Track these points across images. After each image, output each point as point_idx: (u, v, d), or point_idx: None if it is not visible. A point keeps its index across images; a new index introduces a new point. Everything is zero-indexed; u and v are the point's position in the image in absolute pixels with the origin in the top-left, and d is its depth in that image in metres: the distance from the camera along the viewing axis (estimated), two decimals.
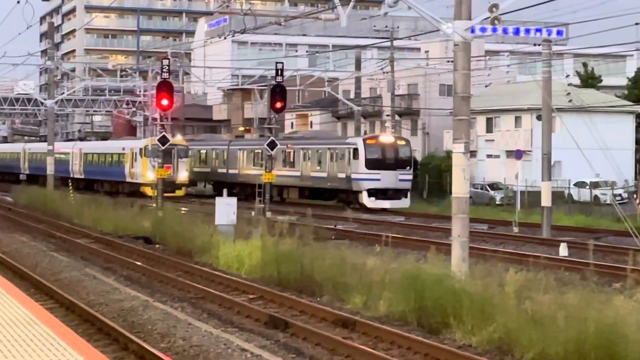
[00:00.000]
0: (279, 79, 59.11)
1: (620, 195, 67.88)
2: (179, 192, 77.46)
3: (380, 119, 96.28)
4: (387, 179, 68.45)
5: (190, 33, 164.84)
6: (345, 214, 60.75)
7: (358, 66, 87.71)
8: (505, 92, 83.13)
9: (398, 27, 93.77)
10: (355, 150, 70.80)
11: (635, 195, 59.65)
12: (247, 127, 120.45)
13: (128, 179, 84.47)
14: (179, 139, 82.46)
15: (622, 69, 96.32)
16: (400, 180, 69.62)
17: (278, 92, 58.77)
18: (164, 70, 56.66)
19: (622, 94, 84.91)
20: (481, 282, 22.36)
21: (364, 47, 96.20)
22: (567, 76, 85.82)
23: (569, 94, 68.90)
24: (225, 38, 71.54)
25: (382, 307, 23.35)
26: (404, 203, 70.21)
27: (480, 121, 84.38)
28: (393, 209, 69.06)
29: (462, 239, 26.63)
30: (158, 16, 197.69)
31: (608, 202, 62.51)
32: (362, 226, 55.52)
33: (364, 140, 71.21)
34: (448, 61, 63.46)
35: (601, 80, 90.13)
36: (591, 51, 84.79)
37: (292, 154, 78.66)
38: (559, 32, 54.99)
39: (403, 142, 72.75)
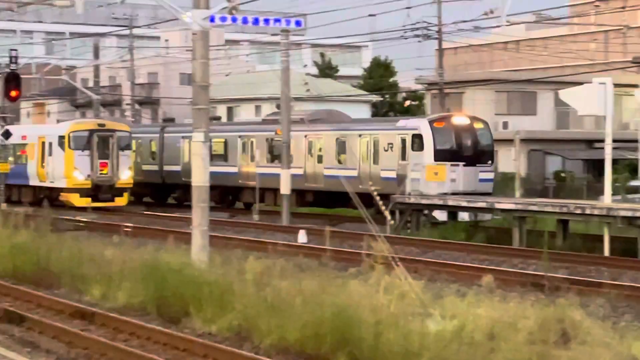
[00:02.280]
0: (13, 66, 57.56)
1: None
2: (120, 200, 53.80)
3: (120, 108, 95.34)
4: (465, 178, 45.38)
5: None
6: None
7: (96, 54, 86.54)
8: (245, 81, 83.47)
9: (137, 15, 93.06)
10: (417, 138, 48.15)
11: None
12: None
13: (33, 182, 57.59)
14: (116, 122, 62.45)
15: (357, 59, 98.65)
16: (481, 180, 47.37)
17: (12, 81, 57.18)
18: None
19: (358, 84, 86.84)
20: (221, 270, 22.50)
21: (103, 34, 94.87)
22: (305, 66, 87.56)
23: (307, 83, 70.17)
24: None
25: (121, 297, 23.01)
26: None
27: (221, 110, 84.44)
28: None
29: (202, 227, 26.70)
30: None
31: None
32: (102, 217, 53.47)
33: (431, 122, 47.96)
34: (187, 50, 63.08)
35: (338, 70, 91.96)
36: (328, 42, 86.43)
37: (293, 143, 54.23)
38: (298, 23, 55.26)
39: (481, 125, 49.61)
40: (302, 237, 37.51)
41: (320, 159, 52.85)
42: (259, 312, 19.06)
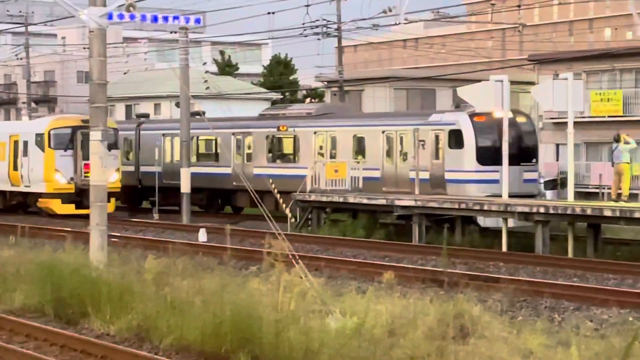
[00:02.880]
0: None
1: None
2: (109, 207, 40.81)
3: (16, 107, 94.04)
4: (509, 179, 37.95)
5: None
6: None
7: None
8: (144, 79, 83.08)
9: (33, 12, 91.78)
10: (455, 134, 41.72)
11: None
12: None
13: (2, 187, 49.87)
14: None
15: (257, 57, 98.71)
16: (526, 181, 41.22)
17: None
18: None
19: (258, 82, 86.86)
20: (120, 269, 22.32)
21: None
22: (205, 64, 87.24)
23: (206, 81, 69.82)
24: None
25: (17, 299, 22.63)
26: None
27: (120, 108, 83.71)
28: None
29: (100, 227, 26.50)
30: None
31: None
32: None
33: (471, 116, 40.70)
34: (85, 48, 62.19)
35: (238, 68, 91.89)
36: (228, 39, 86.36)
37: (297, 140, 48.93)
38: (197, 20, 55.35)
39: (524, 119, 42.81)
40: (202, 236, 37.33)
41: (333, 158, 45.69)
42: (158, 312, 18.93)
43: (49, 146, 44.71)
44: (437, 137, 41.33)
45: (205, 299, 18.52)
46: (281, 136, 48.61)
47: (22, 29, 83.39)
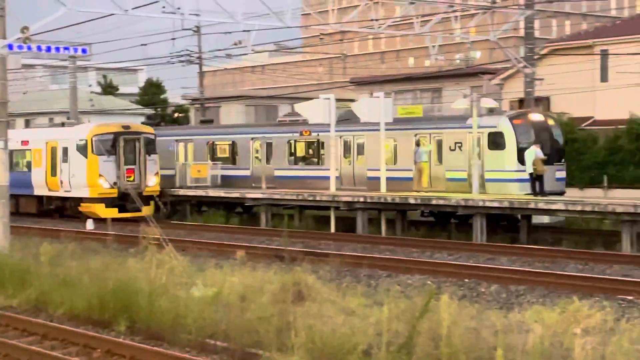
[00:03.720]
0: None
1: None
2: (147, 210, 35.18)
3: None
4: (545, 178, 34.72)
5: None
6: None
7: None
8: (40, 98, 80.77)
9: None
10: (496, 136, 36.85)
11: None
12: None
13: (39, 192, 41.13)
14: (140, 124, 45.32)
15: (134, 80, 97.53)
16: (558, 179, 36.78)
17: None
18: None
19: (135, 100, 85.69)
20: (20, 253, 21.84)
21: None
22: (90, 85, 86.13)
23: (91, 100, 68.71)
24: None
25: None
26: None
27: (20, 122, 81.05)
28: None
29: (3, 219, 25.83)
30: None
31: None
32: None
33: (511, 119, 36.15)
34: None
35: (118, 89, 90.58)
36: (110, 65, 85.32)
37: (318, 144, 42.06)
38: (84, 50, 54.39)
39: (553, 122, 37.97)
40: (89, 225, 36.37)
41: (361, 160, 39.68)
42: (52, 287, 18.66)
43: (92, 152, 37.07)
44: (478, 139, 35.38)
45: (92, 276, 18.38)
46: (304, 140, 42.35)
47: None
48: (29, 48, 28.54)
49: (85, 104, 62.93)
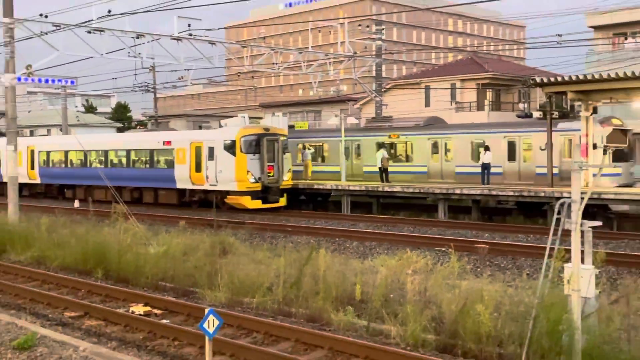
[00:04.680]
0: None
1: None
2: (282, 201, 31.95)
3: None
4: (624, 173, 29.28)
5: None
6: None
7: None
8: (40, 115, 77.60)
9: None
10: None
11: None
12: None
13: (181, 185, 33.15)
14: (276, 127, 34.09)
15: (108, 103, 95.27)
16: (630, 173, 30.19)
17: None
18: None
19: (108, 117, 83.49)
20: (26, 224, 21.25)
21: None
22: (76, 106, 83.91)
23: (77, 116, 66.71)
24: None
25: None
26: None
27: (26, 132, 77.72)
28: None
29: (14, 200, 24.96)
30: None
31: None
32: None
33: (601, 123, 28.89)
34: (2, 97, 57.91)
35: (96, 109, 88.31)
36: (91, 92, 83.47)
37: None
38: (72, 82, 53.35)
39: (621, 122, 29.97)
40: (76, 204, 35.20)
41: (448, 158, 32.97)
42: (49, 248, 18.47)
43: (241, 151, 30.16)
44: (570, 140, 28.86)
45: (77, 239, 18.16)
46: (392, 142, 34.81)
47: None
48: (32, 80, 27.63)
49: (73, 120, 61.03)
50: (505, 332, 9.87)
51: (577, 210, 9.14)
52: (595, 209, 23.79)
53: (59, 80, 52.35)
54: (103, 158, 36.13)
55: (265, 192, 30.23)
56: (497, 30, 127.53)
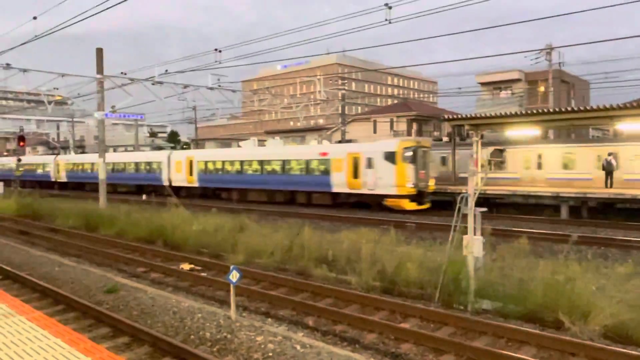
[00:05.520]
0: None
1: None
2: (428, 203, 23.89)
3: (66, 150, 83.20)
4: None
5: None
6: None
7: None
8: (120, 138, 75.84)
9: (74, 112, 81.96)
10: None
11: None
12: None
13: (337, 189, 25.74)
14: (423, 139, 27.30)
15: (165, 130, 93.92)
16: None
17: None
18: None
19: (166, 140, 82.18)
20: (111, 210, 20.86)
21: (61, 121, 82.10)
22: (145, 133, 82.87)
23: (145, 140, 65.34)
24: None
25: (70, 223, 20.61)
26: None
27: (110, 150, 75.44)
28: None
29: (103, 195, 24.33)
30: None
31: None
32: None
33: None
34: (96, 126, 55.79)
35: (157, 134, 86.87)
36: (154, 123, 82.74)
37: None
38: (141, 116, 52.03)
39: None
40: (144, 197, 34.30)
41: (540, 167, 26.21)
42: (127, 226, 18.01)
43: (401, 160, 23.68)
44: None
45: (146, 220, 17.78)
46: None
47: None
48: (115, 115, 27.31)
49: (141, 142, 60.21)
50: (425, 280, 9.96)
51: (471, 200, 9.27)
52: (482, 199, 21.97)
53: (133, 115, 51.57)
54: (259, 167, 29.14)
55: (418, 196, 23.90)
56: (419, 84, 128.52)
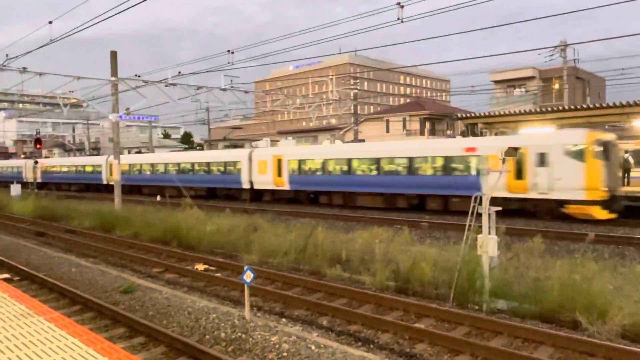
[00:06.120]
0: None
1: None
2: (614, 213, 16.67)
3: (82, 152, 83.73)
4: None
5: None
6: None
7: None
8: (134, 140, 76.74)
9: (90, 114, 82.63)
10: None
11: None
12: None
13: (501, 194, 17.49)
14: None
15: (178, 132, 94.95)
16: None
17: None
18: None
19: (179, 140, 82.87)
20: (126, 212, 21.04)
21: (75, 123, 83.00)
22: (158, 134, 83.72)
23: (159, 141, 66.12)
24: None
25: (87, 224, 20.85)
26: None
27: (125, 152, 76.01)
28: None
29: (118, 197, 24.54)
30: None
31: None
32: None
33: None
34: (109, 128, 56.72)
35: (171, 136, 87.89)
36: (167, 124, 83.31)
37: None
38: (155, 118, 52.54)
39: None
40: (158, 198, 34.50)
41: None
42: (142, 227, 18.08)
43: (593, 157, 17.18)
44: None
45: (160, 220, 17.86)
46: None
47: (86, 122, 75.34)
48: (129, 117, 27.44)
49: (155, 142, 60.79)
50: (440, 280, 9.90)
51: (486, 200, 9.20)
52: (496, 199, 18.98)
53: (147, 117, 52.21)
54: (375, 165, 23.40)
55: (611, 202, 17.59)
56: (432, 83, 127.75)
